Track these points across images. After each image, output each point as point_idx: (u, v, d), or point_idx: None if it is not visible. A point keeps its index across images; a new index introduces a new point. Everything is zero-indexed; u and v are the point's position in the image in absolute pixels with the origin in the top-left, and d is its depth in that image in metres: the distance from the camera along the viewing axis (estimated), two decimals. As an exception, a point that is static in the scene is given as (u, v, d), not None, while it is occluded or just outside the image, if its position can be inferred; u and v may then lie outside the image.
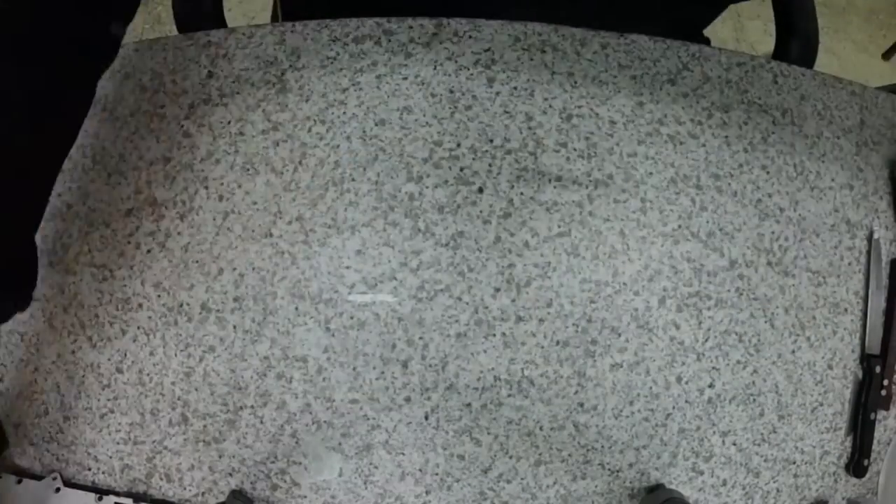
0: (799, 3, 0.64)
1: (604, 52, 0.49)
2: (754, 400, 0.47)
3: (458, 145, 0.46)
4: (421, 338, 0.45)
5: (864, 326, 0.49)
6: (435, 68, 0.48)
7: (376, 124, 0.47)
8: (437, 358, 0.45)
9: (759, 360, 0.47)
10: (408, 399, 0.45)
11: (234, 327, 0.45)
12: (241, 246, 0.45)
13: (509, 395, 0.45)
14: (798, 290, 0.48)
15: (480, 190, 0.46)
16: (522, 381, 0.45)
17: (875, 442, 0.49)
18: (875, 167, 0.51)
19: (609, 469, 0.46)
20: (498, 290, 0.45)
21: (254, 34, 0.48)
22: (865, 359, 0.49)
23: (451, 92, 0.48)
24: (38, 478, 0.45)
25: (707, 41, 0.67)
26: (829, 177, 0.50)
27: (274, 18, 0.75)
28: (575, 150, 0.47)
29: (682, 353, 0.46)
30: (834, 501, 0.49)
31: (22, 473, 0.46)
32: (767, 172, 0.49)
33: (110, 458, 0.45)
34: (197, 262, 0.45)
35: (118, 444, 0.45)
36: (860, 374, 0.49)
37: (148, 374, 0.45)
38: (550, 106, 0.48)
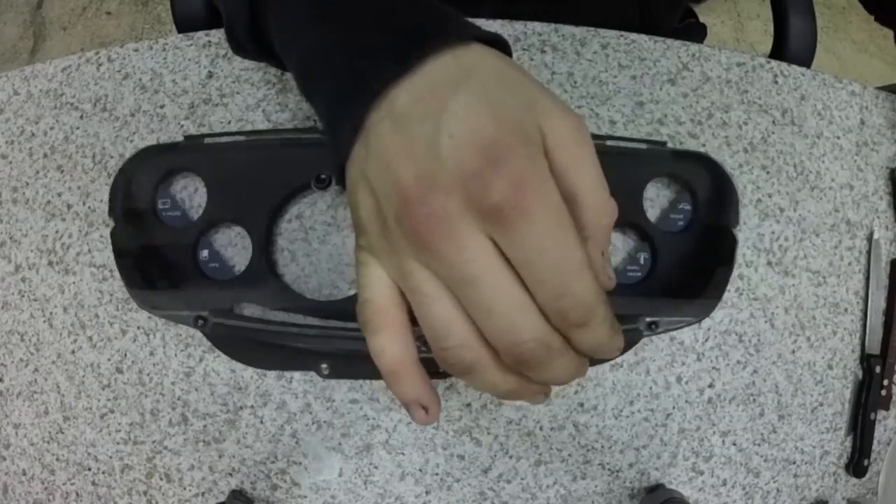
0: (797, 0, 0.64)
1: (604, 52, 0.49)
2: (754, 400, 0.47)
3: (458, 145, 0.46)
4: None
5: (864, 326, 0.49)
6: (435, 68, 0.48)
7: (376, 124, 0.47)
8: (437, 358, 0.45)
9: (759, 360, 0.47)
10: (408, 399, 0.45)
11: (234, 327, 0.45)
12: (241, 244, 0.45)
13: (509, 395, 0.45)
14: (798, 290, 0.48)
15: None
16: (522, 381, 0.45)
17: (875, 442, 0.49)
18: (875, 167, 0.51)
19: (609, 469, 0.46)
20: (498, 290, 0.45)
21: (254, 34, 0.48)
22: (865, 359, 0.49)
23: (451, 92, 0.47)
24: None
25: (703, 27, 0.66)
26: (829, 177, 0.50)
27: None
28: (575, 150, 0.47)
29: (682, 353, 0.46)
30: (834, 501, 0.49)
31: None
32: (767, 172, 0.49)
33: (110, 458, 0.45)
34: (197, 262, 0.45)
35: (118, 444, 0.45)
36: (860, 374, 0.49)
37: (148, 374, 0.45)
38: (550, 106, 0.48)
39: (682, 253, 0.45)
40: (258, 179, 0.44)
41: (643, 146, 0.46)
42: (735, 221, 0.45)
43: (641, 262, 0.46)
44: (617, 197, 0.46)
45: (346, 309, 0.43)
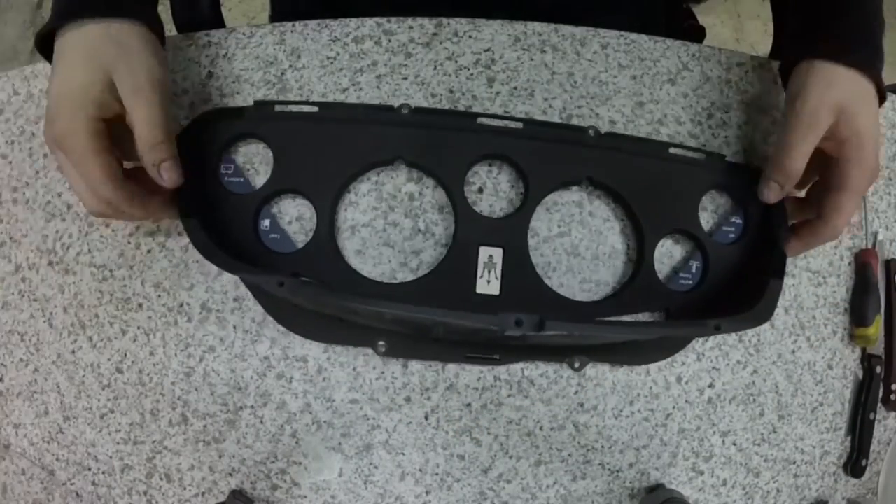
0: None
1: (604, 52, 0.49)
2: (754, 400, 0.47)
3: (458, 145, 0.46)
4: (421, 338, 0.45)
5: (864, 326, 0.49)
6: (435, 68, 0.48)
7: (376, 124, 0.47)
8: (437, 358, 0.45)
9: (759, 360, 0.47)
10: (408, 399, 0.45)
11: (234, 327, 0.45)
12: (241, 246, 0.45)
13: (509, 395, 0.45)
14: (798, 290, 0.48)
15: (480, 190, 0.46)
16: (522, 381, 0.45)
17: (875, 442, 0.49)
18: (875, 167, 0.51)
19: (609, 469, 0.46)
20: (498, 290, 0.45)
21: (254, 34, 0.48)
22: (866, 359, 0.49)
23: (451, 92, 0.48)
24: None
25: (702, 29, 0.67)
26: (829, 177, 0.50)
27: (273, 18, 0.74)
28: (575, 150, 0.47)
29: (682, 353, 0.46)
30: (834, 501, 0.49)
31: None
32: (767, 172, 0.49)
33: (110, 458, 0.45)
34: (197, 261, 0.45)
35: (118, 444, 0.45)
36: (860, 374, 0.49)
37: (148, 374, 0.45)
38: (550, 106, 0.48)
39: (733, 265, 0.46)
40: (328, 152, 0.44)
41: (702, 156, 0.46)
42: (784, 239, 0.44)
43: (693, 270, 0.46)
44: (674, 205, 0.46)
45: (406, 293, 0.43)
